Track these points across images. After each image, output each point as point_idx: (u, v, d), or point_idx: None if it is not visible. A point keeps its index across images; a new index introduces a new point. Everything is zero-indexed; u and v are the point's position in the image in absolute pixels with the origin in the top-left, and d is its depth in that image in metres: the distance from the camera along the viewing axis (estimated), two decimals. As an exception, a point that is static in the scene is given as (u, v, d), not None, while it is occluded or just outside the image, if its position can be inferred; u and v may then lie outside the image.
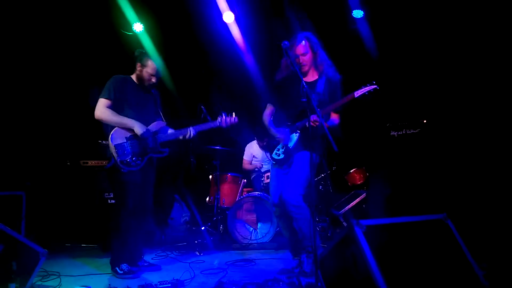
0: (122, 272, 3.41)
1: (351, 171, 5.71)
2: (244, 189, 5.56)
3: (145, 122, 3.60)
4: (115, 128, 3.47)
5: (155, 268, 3.71)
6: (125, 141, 3.48)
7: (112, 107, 3.49)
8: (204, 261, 4.04)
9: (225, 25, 6.01)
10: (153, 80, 3.66)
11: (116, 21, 5.95)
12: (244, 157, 6.05)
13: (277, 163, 3.57)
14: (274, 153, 3.55)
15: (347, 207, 4.99)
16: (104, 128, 3.55)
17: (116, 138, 3.45)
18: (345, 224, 4.91)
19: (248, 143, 6.11)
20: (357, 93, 3.20)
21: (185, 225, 5.74)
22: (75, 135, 5.42)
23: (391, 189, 4.05)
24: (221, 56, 6.14)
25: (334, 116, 3.51)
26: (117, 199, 3.53)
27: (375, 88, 3.17)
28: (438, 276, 2.26)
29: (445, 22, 5.08)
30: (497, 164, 3.91)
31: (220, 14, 5.91)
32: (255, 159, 5.94)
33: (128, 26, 6.04)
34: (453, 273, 2.31)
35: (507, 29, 4.38)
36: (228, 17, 5.92)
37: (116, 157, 3.40)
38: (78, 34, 5.65)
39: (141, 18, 6.01)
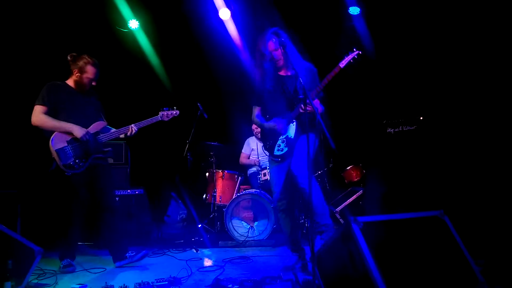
0: (62, 265, 3.55)
1: (348, 168, 5.72)
2: (241, 186, 5.55)
3: (84, 125, 3.63)
4: (55, 133, 3.52)
5: (143, 253, 3.80)
6: (66, 144, 3.53)
7: (49, 112, 3.54)
8: (201, 259, 4.04)
9: (221, 22, 5.99)
10: (94, 83, 3.71)
11: (112, 18, 5.92)
12: (243, 151, 6.02)
13: (281, 158, 3.50)
14: (275, 150, 3.50)
15: (344, 204, 5.00)
16: (44, 133, 3.57)
17: (56, 142, 3.50)
18: (342, 221, 4.92)
19: (247, 138, 6.09)
20: (342, 63, 3.17)
21: (182, 222, 5.73)
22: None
23: (387, 186, 4.06)
24: (217, 53, 6.12)
25: (317, 103, 3.47)
26: (65, 201, 3.62)
27: (358, 54, 3.15)
28: (435, 272, 2.26)
29: (442, 19, 5.09)
30: (493, 160, 3.92)
31: (216, 11, 5.89)
32: (254, 152, 5.92)
33: (124, 23, 6.01)
34: (450, 269, 2.31)
35: (503, 26, 4.39)
36: (224, 14, 5.90)
37: (58, 162, 3.47)
38: (73, 32, 5.61)
39: (137, 15, 5.98)
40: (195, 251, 4.36)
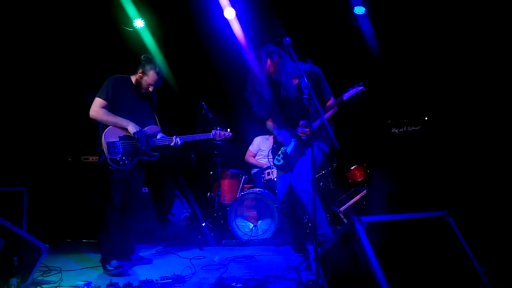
0: (112, 268, 3.44)
1: (352, 168, 5.71)
2: (245, 186, 5.56)
3: (141, 124, 3.66)
4: (109, 127, 3.52)
5: (146, 261, 3.82)
6: (118, 140, 3.53)
7: (108, 107, 3.54)
8: (205, 257, 4.05)
9: (226, 22, 5.99)
10: (150, 89, 3.72)
11: (117, 17, 5.94)
12: (250, 148, 6.02)
13: (278, 168, 3.63)
14: (275, 159, 3.61)
15: (347, 204, 4.99)
16: (98, 126, 3.58)
17: (109, 136, 3.50)
18: (345, 220, 4.91)
19: (253, 137, 6.09)
20: (345, 96, 3.19)
21: (186, 221, 5.74)
22: (76, 131, 5.41)
23: (392, 186, 4.05)
24: (222, 52, 6.12)
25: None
26: (103, 196, 3.58)
27: (362, 90, 3.14)
28: (438, 273, 2.26)
29: (447, 19, 5.06)
30: (498, 161, 3.90)
31: (221, 10, 5.89)
32: (261, 152, 5.92)
33: (129, 22, 6.03)
34: (454, 270, 2.31)
35: (507, 26, 4.37)
36: (229, 13, 5.90)
37: (106, 154, 3.46)
38: (78, 31, 5.64)
39: (142, 14, 5.99)
40: (199, 250, 4.38)
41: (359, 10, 5.78)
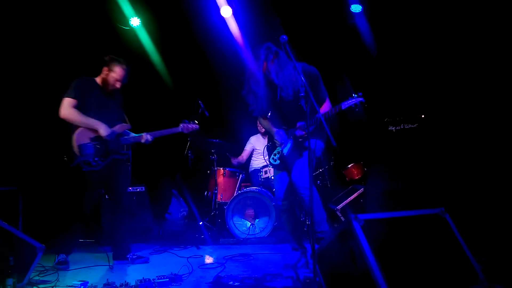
0: (57, 261, 3.54)
1: (349, 166, 5.72)
2: (242, 184, 5.55)
3: (111, 124, 3.67)
4: (80, 128, 3.55)
5: (143, 260, 3.81)
6: (89, 141, 3.56)
7: (78, 106, 3.56)
8: (202, 256, 4.04)
9: (222, 20, 5.98)
10: (117, 85, 3.74)
11: (113, 16, 5.91)
12: (245, 148, 6.02)
13: (274, 167, 3.68)
14: (271, 158, 3.63)
15: (345, 202, 5.00)
16: (70, 126, 3.59)
17: (80, 138, 3.53)
18: (343, 218, 4.92)
19: (249, 135, 6.08)
20: (344, 105, 3.21)
21: (183, 220, 5.74)
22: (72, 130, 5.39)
23: (389, 184, 4.06)
24: (218, 50, 6.11)
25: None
26: (76, 197, 3.63)
27: (361, 102, 3.17)
28: (435, 270, 2.27)
29: (443, 17, 5.07)
30: (494, 158, 3.91)
31: (217, 9, 5.88)
32: (257, 151, 5.92)
33: (125, 21, 6.01)
34: (451, 267, 2.31)
35: (504, 24, 4.38)
36: (226, 11, 5.89)
37: (78, 157, 3.50)
38: (74, 29, 5.61)
39: (138, 12, 5.97)
40: (196, 249, 4.37)
41: (356, 8, 5.78)
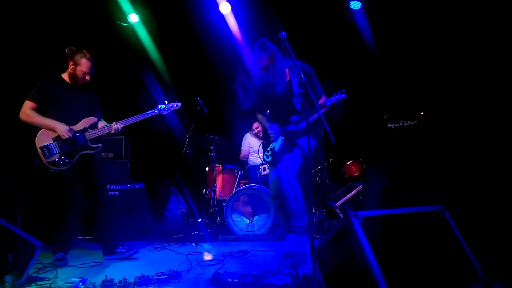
0: (55, 258, 3.55)
1: (348, 163, 5.71)
2: (241, 181, 5.55)
3: (73, 120, 3.63)
4: (40, 131, 3.54)
5: (133, 251, 3.82)
6: (52, 141, 3.54)
7: (39, 109, 3.55)
8: (201, 253, 4.04)
9: (221, 16, 5.96)
10: (87, 78, 3.68)
11: (112, 12, 5.89)
12: (242, 148, 6.05)
13: (267, 163, 3.72)
14: (264, 155, 3.66)
15: (344, 199, 5.00)
16: (32, 129, 3.58)
17: (42, 140, 3.52)
18: (342, 215, 4.92)
19: (244, 134, 6.10)
20: (328, 102, 3.22)
21: (182, 217, 5.73)
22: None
23: (388, 181, 4.06)
24: (217, 47, 6.09)
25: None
26: (56, 196, 3.64)
27: (343, 98, 3.17)
28: (434, 267, 2.27)
29: (443, 14, 5.06)
30: (494, 155, 3.91)
31: (216, 5, 5.86)
32: (252, 150, 5.93)
33: (124, 17, 5.98)
34: (450, 264, 2.31)
35: (503, 22, 4.37)
36: (225, 8, 5.87)
37: (42, 158, 3.49)
38: (72, 26, 5.58)
39: (137, 9, 5.95)
40: (195, 245, 4.37)
41: (355, 5, 5.77)
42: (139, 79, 6.25)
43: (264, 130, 3.77)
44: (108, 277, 2.93)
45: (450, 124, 4.25)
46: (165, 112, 3.90)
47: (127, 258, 3.77)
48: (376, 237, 2.18)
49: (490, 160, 3.90)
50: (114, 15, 5.95)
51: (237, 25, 6.00)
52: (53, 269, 3.36)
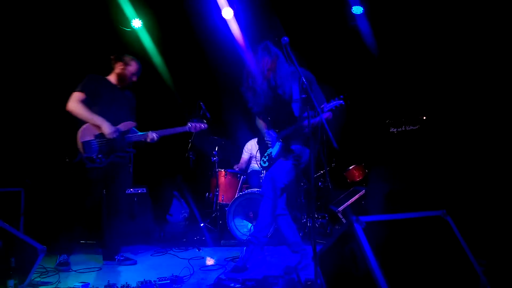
0: (58, 262, 3.54)
1: (350, 167, 5.71)
2: (243, 186, 5.55)
3: (116, 120, 3.67)
4: (85, 125, 3.56)
5: (131, 262, 3.80)
6: (93, 138, 3.57)
7: (87, 101, 3.58)
8: (203, 258, 4.04)
9: (224, 21, 5.99)
10: (134, 78, 3.81)
11: (115, 17, 5.93)
12: (242, 156, 6.03)
13: (264, 170, 3.77)
14: (261, 160, 3.67)
15: (346, 204, 4.99)
16: (76, 122, 3.61)
17: (84, 135, 3.54)
18: (344, 220, 4.91)
19: (247, 141, 6.09)
20: (326, 107, 3.19)
21: (184, 221, 5.74)
22: (74, 131, 5.41)
23: (390, 186, 4.05)
24: (220, 52, 6.12)
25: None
26: (79, 195, 3.64)
27: (341, 104, 3.15)
28: (437, 272, 2.26)
29: (445, 19, 5.06)
30: (496, 160, 3.90)
31: (219, 10, 5.89)
32: (253, 157, 5.93)
33: (127, 22, 6.02)
34: (452, 269, 2.30)
35: (505, 26, 4.37)
36: (227, 13, 5.90)
37: (82, 153, 3.51)
38: (76, 31, 5.62)
39: (140, 14, 5.99)
40: (197, 250, 4.37)
41: (357, 9, 5.79)
42: (141, 83, 6.27)
43: (261, 137, 3.77)
44: (111, 282, 2.94)
45: (452, 129, 4.24)
46: (193, 131, 4.00)
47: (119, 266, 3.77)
48: (378, 242, 2.17)
49: (492, 164, 3.89)
50: (117, 21, 5.99)
51: (239, 30, 6.02)
52: (56, 274, 3.36)
